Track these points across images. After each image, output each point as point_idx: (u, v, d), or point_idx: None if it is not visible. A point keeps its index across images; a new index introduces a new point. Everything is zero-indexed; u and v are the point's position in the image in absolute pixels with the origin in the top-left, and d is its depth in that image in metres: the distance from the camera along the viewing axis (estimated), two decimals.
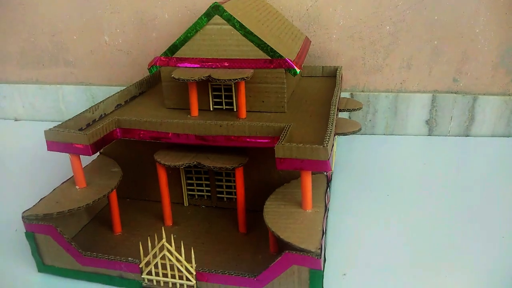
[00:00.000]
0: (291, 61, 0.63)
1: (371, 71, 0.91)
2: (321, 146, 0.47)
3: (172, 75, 0.64)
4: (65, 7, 0.97)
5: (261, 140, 0.55)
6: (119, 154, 0.67)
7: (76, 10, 0.96)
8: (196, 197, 0.67)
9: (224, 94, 0.69)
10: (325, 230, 0.52)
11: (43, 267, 0.55)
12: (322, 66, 0.86)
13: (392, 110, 0.92)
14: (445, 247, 0.58)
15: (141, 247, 0.50)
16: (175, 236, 0.59)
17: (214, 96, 0.69)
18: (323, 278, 0.45)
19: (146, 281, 0.51)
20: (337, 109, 0.73)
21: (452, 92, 0.90)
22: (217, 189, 0.66)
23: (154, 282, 0.51)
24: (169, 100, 0.71)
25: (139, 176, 0.69)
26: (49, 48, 1.01)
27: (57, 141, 0.54)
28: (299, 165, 0.48)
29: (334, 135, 0.65)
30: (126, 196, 0.70)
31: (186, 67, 0.66)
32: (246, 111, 0.67)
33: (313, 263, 0.44)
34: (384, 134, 0.95)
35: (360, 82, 0.92)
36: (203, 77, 0.62)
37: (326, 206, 0.52)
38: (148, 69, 0.68)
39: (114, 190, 0.58)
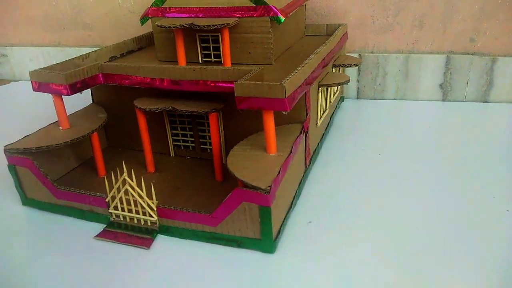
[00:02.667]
0: (275, 8, 0.62)
1: (380, 31, 0.86)
2: (278, 83, 0.45)
3: (156, 23, 0.64)
4: None
5: (230, 85, 0.55)
6: (113, 104, 0.69)
7: None
8: (182, 148, 0.68)
9: (212, 46, 0.68)
10: (282, 172, 0.50)
11: (26, 200, 0.58)
12: (327, 24, 0.83)
13: (403, 73, 0.87)
14: (420, 215, 0.55)
15: (106, 182, 0.52)
16: (153, 181, 0.61)
17: (203, 48, 0.69)
18: (270, 215, 0.44)
19: (114, 216, 0.53)
20: (331, 65, 0.70)
21: (468, 53, 0.83)
22: (201, 140, 0.66)
23: (121, 218, 0.53)
24: (161, 53, 0.72)
25: (130, 126, 0.70)
26: (69, 12, 1.05)
27: (39, 81, 0.57)
28: (257, 104, 0.47)
29: (319, 86, 0.63)
30: (118, 145, 0.72)
31: (174, 16, 0.66)
32: (234, 63, 0.67)
33: (262, 200, 0.43)
34: (394, 99, 0.90)
35: (369, 42, 0.88)
36: (186, 24, 0.62)
37: (291, 152, 0.50)
38: (140, 20, 0.70)
39: (95, 133, 0.60)
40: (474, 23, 0.81)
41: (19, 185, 0.57)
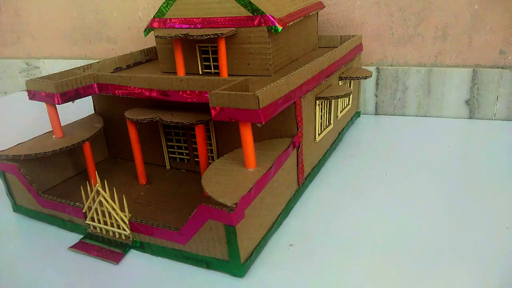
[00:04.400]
0: (272, 17, 0.59)
1: (400, 42, 0.81)
2: (251, 93, 0.42)
3: (154, 34, 0.64)
4: None
5: None
6: (113, 115, 0.69)
7: None
8: (178, 160, 0.66)
9: (212, 57, 0.67)
10: (256, 189, 0.47)
11: (16, 207, 0.59)
12: (340, 36, 0.79)
13: (425, 88, 0.81)
14: (428, 242, 0.49)
15: (82, 192, 0.51)
16: (142, 193, 0.60)
17: (203, 60, 0.68)
18: (236, 235, 0.41)
19: (91, 228, 0.52)
20: (337, 77, 0.66)
21: (498, 67, 0.76)
22: (194, 153, 0.64)
23: (98, 229, 0.51)
24: (163, 64, 0.71)
25: (129, 137, 0.70)
26: (94, 25, 1.09)
27: (33, 89, 0.58)
28: (232, 115, 0.44)
29: (316, 99, 0.59)
30: (119, 156, 0.72)
31: (173, 27, 0.65)
32: (232, 75, 0.64)
33: (226, 218, 0.40)
34: (416, 115, 0.84)
35: (388, 55, 0.82)
36: (181, 34, 0.61)
37: (271, 167, 0.47)
38: (144, 32, 0.69)
39: (87, 142, 0.60)
40: (504, 34, 0.74)
41: (9, 192, 0.58)
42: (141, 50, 0.77)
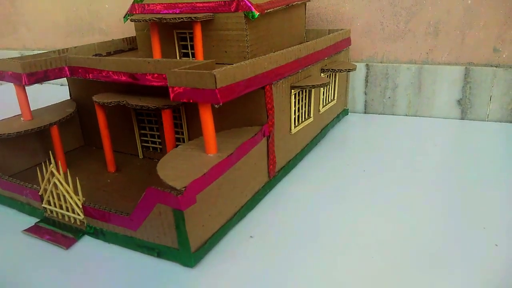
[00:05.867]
0: (249, 2, 0.57)
1: (390, 38, 0.78)
2: (207, 72, 0.40)
3: (129, 17, 0.62)
4: None
5: None
6: (88, 102, 0.67)
7: None
8: (151, 149, 0.64)
9: (190, 44, 0.65)
10: (212, 174, 0.44)
11: None
12: (329, 30, 0.77)
13: (416, 86, 0.78)
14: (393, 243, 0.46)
15: (38, 173, 0.49)
16: (108, 181, 0.58)
17: (182, 47, 0.66)
18: (184, 220, 0.38)
19: (48, 212, 0.50)
20: (318, 68, 0.63)
21: (491, 65, 0.72)
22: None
23: (54, 214, 0.49)
24: (142, 51, 0.69)
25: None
26: (87, 18, 1.08)
27: (1, 70, 0.56)
28: (190, 95, 0.42)
29: (292, 88, 0.57)
30: (94, 144, 0.70)
31: (151, 12, 0.64)
32: None
33: (174, 202, 0.38)
34: (406, 115, 0.80)
35: (378, 51, 0.80)
36: (155, 18, 0.59)
37: (232, 154, 0.44)
38: (123, 18, 0.68)
39: (55, 126, 0.58)
40: (499, 31, 0.70)
41: None
42: (123, 38, 0.76)
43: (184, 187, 0.38)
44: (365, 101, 0.82)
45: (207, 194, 0.41)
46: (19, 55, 1.21)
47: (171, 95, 0.43)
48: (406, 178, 0.57)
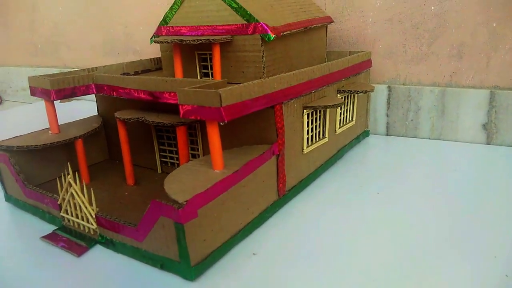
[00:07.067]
0: (266, 25, 0.59)
1: (413, 60, 0.77)
2: (213, 90, 0.41)
3: (154, 39, 0.65)
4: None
5: None
6: (113, 117, 0.71)
7: (140, 3, 1.07)
8: (169, 164, 0.66)
9: (210, 65, 0.67)
10: (216, 190, 0.45)
11: (7, 196, 0.61)
12: (349, 51, 0.77)
13: (439, 109, 0.76)
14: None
15: (58, 183, 0.52)
16: (126, 193, 0.60)
17: (202, 67, 0.68)
18: (184, 234, 0.39)
19: (66, 220, 0.52)
20: (334, 89, 0.64)
21: None
22: None
23: (71, 222, 0.52)
24: (166, 71, 0.73)
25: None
26: (122, 38, 1.14)
27: (33, 86, 0.61)
28: (197, 113, 0.43)
29: (304, 108, 0.57)
30: (117, 158, 0.73)
31: (174, 34, 0.67)
32: (228, 83, 0.64)
33: (175, 215, 0.39)
34: (429, 138, 0.79)
35: (401, 73, 0.79)
36: (176, 39, 0.62)
37: (238, 170, 0.45)
38: (150, 39, 0.72)
39: (80, 139, 0.62)
40: None
41: (2, 182, 0.60)
42: (151, 59, 0.80)
43: (186, 200, 0.39)
44: (387, 123, 0.81)
45: (209, 209, 0.42)
46: None
47: (181, 112, 0.45)
48: (421, 203, 0.55)
